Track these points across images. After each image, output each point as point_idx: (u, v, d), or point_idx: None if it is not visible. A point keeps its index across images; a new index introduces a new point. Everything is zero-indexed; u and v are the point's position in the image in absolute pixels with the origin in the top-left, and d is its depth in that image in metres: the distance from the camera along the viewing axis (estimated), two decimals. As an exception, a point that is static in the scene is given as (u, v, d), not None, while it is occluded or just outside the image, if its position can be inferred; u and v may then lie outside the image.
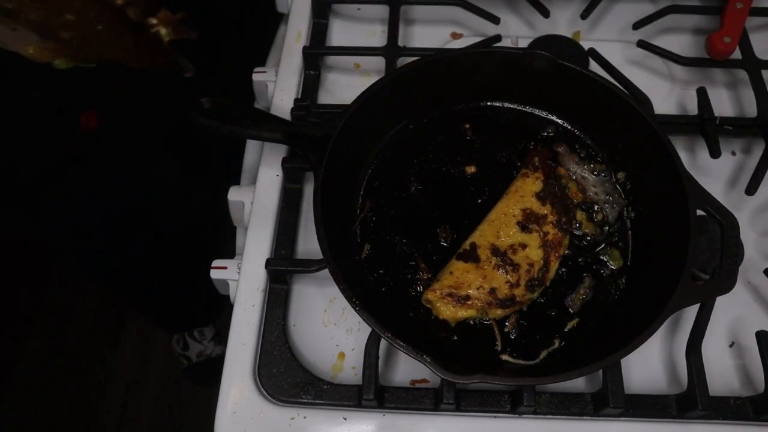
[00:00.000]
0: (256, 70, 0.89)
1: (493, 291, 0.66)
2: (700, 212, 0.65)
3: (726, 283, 0.63)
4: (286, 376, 0.65)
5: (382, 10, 0.91)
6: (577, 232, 0.71)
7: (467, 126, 0.79)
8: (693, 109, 0.82)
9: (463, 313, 0.65)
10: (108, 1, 0.75)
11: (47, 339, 1.78)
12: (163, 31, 0.80)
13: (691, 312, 0.67)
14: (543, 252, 0.68)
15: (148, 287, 1.56)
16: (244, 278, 0.71)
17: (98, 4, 0.75)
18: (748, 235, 0.75)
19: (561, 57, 0.73)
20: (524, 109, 0.80)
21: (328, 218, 0.64)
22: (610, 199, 0.74)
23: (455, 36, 0.93)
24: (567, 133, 0.78)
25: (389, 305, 0.68)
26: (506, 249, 0.68)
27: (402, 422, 0.63)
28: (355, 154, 0.75)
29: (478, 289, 0.66)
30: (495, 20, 0.89)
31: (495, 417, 0.64)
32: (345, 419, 0.64)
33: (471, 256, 0.67)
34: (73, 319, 1.81)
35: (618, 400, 0.61)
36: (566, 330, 0.66)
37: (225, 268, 0.74)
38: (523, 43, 0.89)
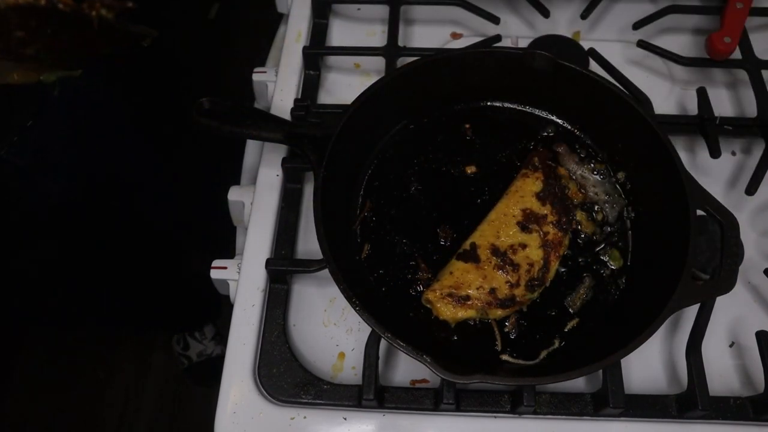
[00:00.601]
0: (256, 70, 0.89)
1: (493, 291, 0.66)
2: (700, 212, 0.65)
3: (726, 283, 0.63)
4: (286, 376, 0.65)
5: (382, 10, 0.91)
6: (577, 232, 0.71)
7: (467, 126, 0.79)
8: (693, 109, 0.82)
9: (463, 313, 0.65)
10: (37, 5, 0.73)
11: (47, 339, 1.78)
12: (101, 11, 0.78)
13: (691, 312, 0.67)
14: (543, 252, 0.68)
15: (139, 304, 1.54)
16: (244, 278, 0.71)
17: (32, 12, 0.73)
18: (748, 235, 0.75)
19: (561, 57, 0.73)
20: (524, 109, 0.80)
21: (328, 218, 0.64)
22: (610, 199, 0.74)
23: (455, 36, 0.93)
24: (567, 133, 0.78)
25: (389, 305, 0.68)
26: (506, 249, 0.68)
27: (402, 422, 0.63)
28: (355, 154, 0.74)
29: (478, 289, 0.66)
30: (495, 20, 0.89)
31: (495, 417, 0.64)
32: (345, 419, 0.64)
33: (471, 256, 0.67)
34: (73, 319, 1.81)
35: (618, 400, 0.61)
36: (566, 330, 0.66)
37: (225, 268, 0.74)
38: (523, 43, 0.89)
